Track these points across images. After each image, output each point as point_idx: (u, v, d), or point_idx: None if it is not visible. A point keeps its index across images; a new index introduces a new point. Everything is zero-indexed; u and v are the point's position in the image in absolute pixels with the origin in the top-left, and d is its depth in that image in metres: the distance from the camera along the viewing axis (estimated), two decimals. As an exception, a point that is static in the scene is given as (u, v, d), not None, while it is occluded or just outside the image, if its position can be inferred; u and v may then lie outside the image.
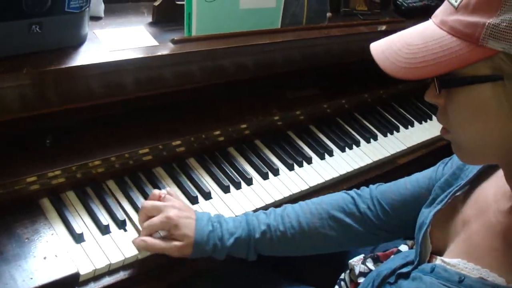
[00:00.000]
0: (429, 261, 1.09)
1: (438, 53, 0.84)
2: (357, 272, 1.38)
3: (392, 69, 0.89)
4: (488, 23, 0.79)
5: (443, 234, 1.09)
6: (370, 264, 1.40)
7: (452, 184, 1.13)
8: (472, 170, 1.09)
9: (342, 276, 1.44)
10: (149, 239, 1.24)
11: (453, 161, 1.22)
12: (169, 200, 1.31)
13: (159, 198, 1.30)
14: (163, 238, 1.25)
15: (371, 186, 1.41)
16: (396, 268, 1.17)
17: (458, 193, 1.10)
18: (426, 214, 1.13)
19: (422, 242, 1.11)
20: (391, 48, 0.91)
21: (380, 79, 2.09)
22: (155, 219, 1.24)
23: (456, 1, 0.84)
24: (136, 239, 1.26)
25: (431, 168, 1.33)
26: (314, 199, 1.40)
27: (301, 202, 1.39)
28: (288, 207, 1.37)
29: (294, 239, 1.33)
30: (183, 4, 1.45)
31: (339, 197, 1.39)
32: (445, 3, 0.88)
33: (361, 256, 1.43)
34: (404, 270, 1.13)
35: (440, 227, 1.10)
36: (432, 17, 0.92)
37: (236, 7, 1.54)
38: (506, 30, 0.78)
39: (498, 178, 1.03)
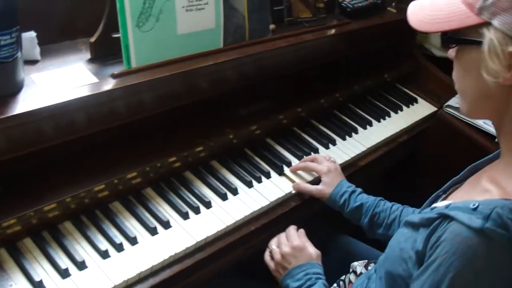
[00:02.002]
0: None
1: (447, 14, 1.04)
2: (358, 272, 1.49)
3: (413, 21, 1.11)
4: None
5: None
6: (365, 272, 1.48)
7: None
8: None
9: (342, 277, 1.52)
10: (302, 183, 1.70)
11: None
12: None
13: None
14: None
15: None
16: None
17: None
18: None
19: None
20: (421, 4, 1.12)
21: (335, 82, 2.14)
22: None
23: None
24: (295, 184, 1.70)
25: None
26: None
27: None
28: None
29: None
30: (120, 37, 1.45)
31: None
32: None
33: (365, 261, 1.54)
34: None
35: None
36: None
37: (173, 34, 1.54)
38: (492, 3, 0.98)
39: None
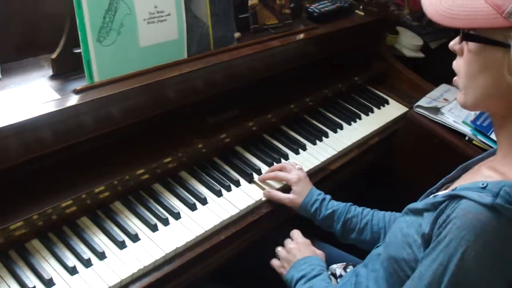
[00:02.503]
0: None
1: (471, 11, 1.06)
2: (338, 274, 1.56)
3: (432, 12, 1.12)
4: None
5: None
6: (349, 269, 1.57)
7: None
8: None
9: None
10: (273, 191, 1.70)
11: None
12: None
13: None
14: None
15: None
16: None
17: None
18: None
19: None
20: None
21: (305, 87, 2.14)
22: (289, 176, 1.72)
23: None
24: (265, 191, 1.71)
25: None
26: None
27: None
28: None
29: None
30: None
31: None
32: None
33: (344, 263, 1.61)
34: None
35: None
36: None
37: (135, 46, 1.55)
38: None
39: None
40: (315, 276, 1.46)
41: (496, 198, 1.01)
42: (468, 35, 1.10)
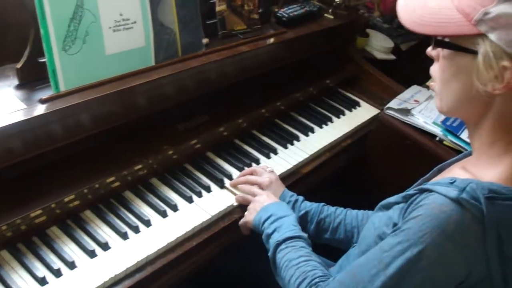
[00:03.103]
0: None
1: (442, 19, 1.10)
2: None
3: (406, 20, 1.16)
4: (483, 9, 1.04)
5: None
6: None
7: None
8: None
9: None
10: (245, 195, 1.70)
11: None
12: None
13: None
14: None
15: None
16: None
17: None
18: None
19: None
20: (412, 4, 1.16)
21: (276, 91, 2.15)
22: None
23: None
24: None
25: None
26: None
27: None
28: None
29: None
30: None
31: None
32: None
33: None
34: None
35: None
36: None
37: (101, 55, 1.54)
38: (492, 19, 1.03)
39: None
40: (284, 216, 1.49)
41: (462, 193, 1.05)
42: (440, 41, 1.14)
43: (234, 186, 1.76)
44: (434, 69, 1.20)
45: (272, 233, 1.47)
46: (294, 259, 1.37)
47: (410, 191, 1.19)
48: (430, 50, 1.19)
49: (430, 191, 1.11)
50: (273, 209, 1.54)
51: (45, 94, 1.47)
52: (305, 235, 1.46)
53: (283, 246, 1.42)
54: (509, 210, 1.05)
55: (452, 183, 1.09)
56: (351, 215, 1.65)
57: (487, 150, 1.16)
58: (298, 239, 1.43)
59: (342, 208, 1.68)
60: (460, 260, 1.07)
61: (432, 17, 1.11)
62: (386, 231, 1.21)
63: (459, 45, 1.10)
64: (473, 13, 1.05)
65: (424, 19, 1.12)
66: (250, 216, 1.59)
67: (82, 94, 1.50)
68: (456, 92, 1.14)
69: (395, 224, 1.18)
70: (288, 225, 1.47)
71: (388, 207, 1.27)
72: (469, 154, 1.28)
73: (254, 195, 1.67)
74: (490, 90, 1.07)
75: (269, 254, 1.45)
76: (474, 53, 1.07)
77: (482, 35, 1.05)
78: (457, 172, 1.21)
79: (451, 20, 1.08)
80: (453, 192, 1.06)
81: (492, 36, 1.04)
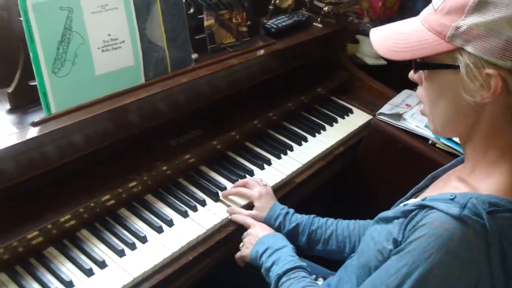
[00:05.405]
0: None
1: (417, 42, 1.11)
2: None
3: (381, 49, 1.18)
4: (453, 25, 1.06)
5: None
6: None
7: None
8: None
9: None
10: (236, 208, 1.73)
11: None
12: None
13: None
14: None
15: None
16: None
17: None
18: None
19: None
20: (385, 33, 1.19)
21: (268, 102, 2.17)
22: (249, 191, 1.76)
23: (436, 5, 1.10)
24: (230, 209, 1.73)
25: None
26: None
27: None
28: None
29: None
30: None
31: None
32: (430, 5, 1.14)
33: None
34: None
35: None
36: (420, 14, 1.18)
37: (91, 75, 1.56)
38: (464, 32, 1.05)
39: None
40: (281, 248, 1.51)
41: (463, 209, 1.04)
42: (420, 64, 1.15)
43: (226, 197, 1.78)
44: (420, 93, 1.20)
45: (271, 266, 1.48)
46: None
47: (409, 206, 1.15)
48: (412, 75, 1.20)
49: (430, 207, 1.09)
50: (269, 241, 1.54)
51: (37, 117, 1.49)
52: (304, 264, 1.48)
53: (284, 278, 1.43)
54: (509, 222, 1.05)
55: (452, 199, 1.07)
56: (342, 225, 1.67)
57: (482, 158, 1.15)
58: (298, 269, 1.45)
59: (332, 219, 1.69)
60: (466, 276, 1.05)
61: (407, 42, 1.13)
62: (386, 246, 1.19)
63: (439, 63, 1.11)
64: (445, 30, 1.07)
65: (399, 46, 1.14)
66: (246, 250, 1.60)
67: (74, 115, 1.51)
68: (446, 110, 1.14)
69: (395, 240, 1.16)
70: (286, 257, 1.48)
71: (386, 220, 1.25)
72: (462, 160, 1.27)
73: (248, 226, 1.68)
74: (480, 100, 1.07)
75: None
76: (456, 67, 1.07)
77: (459, 49, 1.06)
78: (454, 183, 1.20)
79: (426, 41, 1.10)
80: (454, 209, 1.04)
81: (469, 48, 1.05)
